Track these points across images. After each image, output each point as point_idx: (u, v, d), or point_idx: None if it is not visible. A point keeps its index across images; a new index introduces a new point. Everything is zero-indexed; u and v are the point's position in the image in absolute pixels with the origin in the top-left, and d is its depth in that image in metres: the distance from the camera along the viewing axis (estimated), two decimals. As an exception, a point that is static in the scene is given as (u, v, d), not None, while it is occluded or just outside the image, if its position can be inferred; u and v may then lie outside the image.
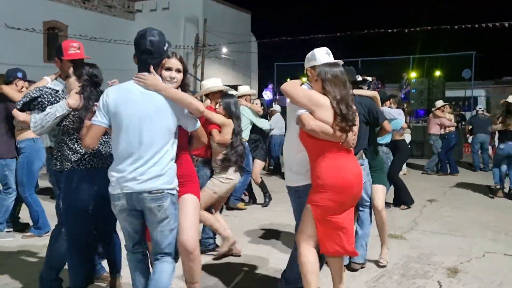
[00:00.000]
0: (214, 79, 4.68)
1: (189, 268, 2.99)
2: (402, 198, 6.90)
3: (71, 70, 3.21)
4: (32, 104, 3.16)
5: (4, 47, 17.97)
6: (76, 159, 3.08)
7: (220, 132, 4.26)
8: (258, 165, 6.99)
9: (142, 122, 2.61)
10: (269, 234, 5.30)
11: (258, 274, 4.02)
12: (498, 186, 7.90)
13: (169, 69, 2.82)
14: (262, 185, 7.04)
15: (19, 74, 5.09)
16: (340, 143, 2.94)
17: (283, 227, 5.55)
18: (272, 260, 4.38)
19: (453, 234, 5.38)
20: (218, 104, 4.38)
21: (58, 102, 3.11)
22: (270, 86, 20.99)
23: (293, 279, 3.28)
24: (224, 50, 24.13)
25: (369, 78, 5.15)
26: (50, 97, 3.17)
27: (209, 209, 4.30)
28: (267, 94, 20.46)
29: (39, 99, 3.15)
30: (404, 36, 16.53)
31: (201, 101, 4.29)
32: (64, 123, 3.09)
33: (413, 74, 18.62)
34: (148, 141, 2.61)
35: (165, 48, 2.77)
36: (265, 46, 22.15)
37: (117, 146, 2.65)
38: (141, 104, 2.63)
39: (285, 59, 23.40)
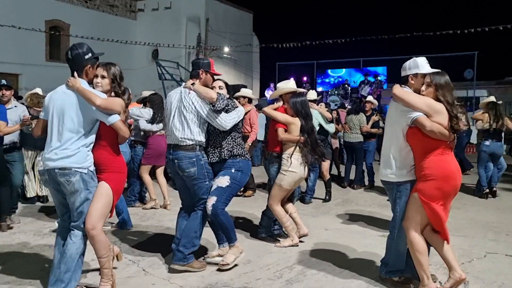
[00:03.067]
0: (288, 82, 5.00)
1: (92, 244, 3.36)
2: None
3: (222, 83, 4.22)
4: (223, 108, 3.94)
5: (7, 46, 18.00)
6: (246, 152, 4.12)
7: (286, 130, 4.71)
8: (326, 163, 7.41)
9: (59, 115, 3.29)
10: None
11: (259, 274, 4.03)
12: (486, 190, 7.81)
13: (95, 76, 3.42)
14: (329, 183, 7.49)
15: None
16: (448, 142, 3.38)
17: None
18: (272, 259, 4.40)
19: (454, 235, 5.35)
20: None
21: (233, 105, 4.02)
22: (272, 86, 20.99)
23: (391, 263, 3.71)
24: (226, 49, 24.12)
25: None
26: (229, 102, 4.01)
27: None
28: (269, 94, 20.47)
29: (226, 105, 3.95)
30: (405, 37, 16.49)
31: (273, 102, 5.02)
32: (239, 123, 4.08)
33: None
34: (61, 130, 3.27)
35: (87, 57, 3.39)
36: (267, 46, 22.08)
37: (47, 133, 3.36)
38: (60, 100, 3.31)
39: (287, 59, 23.41)
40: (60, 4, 20.94)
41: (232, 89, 5.89)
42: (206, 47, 23.18)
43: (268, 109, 4.92)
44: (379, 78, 19.32)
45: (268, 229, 5.07)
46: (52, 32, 20.43)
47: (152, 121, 6.44)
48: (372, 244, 4.92)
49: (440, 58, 19.86)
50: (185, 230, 4.02)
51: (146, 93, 6.95)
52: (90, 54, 3.41)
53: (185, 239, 3.96)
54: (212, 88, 4.10)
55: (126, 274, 3.91)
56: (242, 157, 4.01)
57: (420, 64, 3.54)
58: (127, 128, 3.45)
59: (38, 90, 6.79)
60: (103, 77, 3.41)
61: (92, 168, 3.31)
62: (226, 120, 3.91)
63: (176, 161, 3.99)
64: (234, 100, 4.21)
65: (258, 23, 27.67)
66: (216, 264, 4.06)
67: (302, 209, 6.53)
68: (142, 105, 6.73)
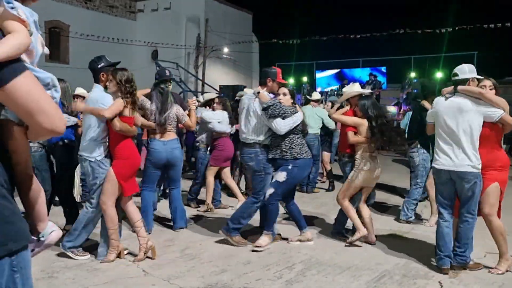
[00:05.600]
0: (353, 85, 5.29)
1: (104, 217, 4.26)
2: None
3: (286, 90, 4.75)
4: (277, 114, 4.54)
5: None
6: (305, 151, 4.66)
7: (356, 132, 4.88)
8: (326, 156, 8.44)
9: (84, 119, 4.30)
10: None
11: (258, 273, 4.03)
12: None
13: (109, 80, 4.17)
14: (330, 173, 8.44)
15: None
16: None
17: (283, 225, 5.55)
18: (272, 258, 4.40)
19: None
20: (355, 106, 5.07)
21: (292, 112, 4.58)
22: (271, 86, 20.95)
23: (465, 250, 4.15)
24: (226, 50, 24.11)
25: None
26: (286, 109, 4.58)
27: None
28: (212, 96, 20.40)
29: (281, 111, 4.54)
30: (405, 36, 16.49)
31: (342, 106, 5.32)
32: (298, 126, 4.61)
33: (413, 74, 18.61)
34: (83, 130, 4.27)
35: (100, 66, 4.21)
36: (266, 46, 22.11)
37: None
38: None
39: (286, 59, 23.41)
40: (60, 5, 20.96)
41: (232, 90, 5.96)
42: (205, 47, 23.17)
43: (337, 115, 5.12)
44: (377, 78, 19.32)
45: (339, 228, 5.21)
46: (51, 32, 20.43)
47: (230, 123, 6.55)
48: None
49: (440, 58, 19.87)
50: (237, 210, 4.89)
51: (209, 96, 7.08)
52: (103, 63, 4.18)
53: (234, 215, 4.82)
54: (277, 94, 4.73)
55: (126, 275, 3.90)
56: (300, 156, 4.58)
57: (474, 70, 4.17)
58: (122, 123, 4.06)
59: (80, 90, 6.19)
60: (110, 80, 4.12)
61: (100, 158, 4.12)
62: (281, 126, 4.52)
63: (242, 156, 4.96)
64: (296, 106, 4.74)
65: (258, 23, 27.70)
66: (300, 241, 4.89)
67: (302, 209, 6.52)
68: (207, 107, 6.81)
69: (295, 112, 4.63)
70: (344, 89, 5.46)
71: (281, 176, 4.60)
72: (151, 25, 24.03)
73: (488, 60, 22.81)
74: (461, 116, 3.94)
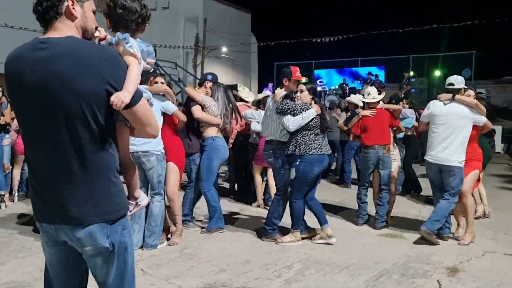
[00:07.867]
0: (355, 96, 6.43)
1: (171, 206, 4.87)
2: (412, 187, 7.79)
3: (303, 86, 4.90)
4: (286, 111, 4.72)
5: (6, 47, 17.95)
6: (315, 147, 4.70)
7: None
8: None
9: None
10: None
11: (255, 272, 4.03)
12: None
13: (156, 82, 4.71)
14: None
15: (209, 77, 5.48)
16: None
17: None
18: (271, 259, 4.40)
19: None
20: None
21: (302, 109, 4.70)
22: (270, 85, 20.94)
23: (441, 222, 4.91)
24: (224, 49, 24.08)
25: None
26: (296, 106, 4.74)
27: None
28: (267, 94, 20.44)
29: (291, 109, 4.71)
30: (404, 35, 16.49)
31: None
32: (310, 123, 4.71)
33: (410, 73, 18.64)
34: None
35: (151, 71, 4.71)
36: (265, 46, 22.07)
37: None
38: None
39: (285, 59, 23.42)
40: (58, 5, 20.91)
41: (231, 89, 5.99)
42: (204, 46, 23.15)
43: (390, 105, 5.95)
44: (379, 78, 19.35)
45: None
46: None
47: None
48: (370, 244, 4.93)
49: (438, 58, 19.89)
50: (268, 213, 5.04)
51: (260, 96, 7.14)
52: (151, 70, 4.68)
53: (267, 219, 5.00)
54: (296, 92, 4.89)
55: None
56: (308, 152, 4.67)
57: (464, 81, 5.14)
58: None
59: None
60: (162, 83, 4.70)
61: (163, 151, 4.58)
62: (290, 122, 4.70)
63: (263, 153, 5.15)
64: (310, 104, 4.80)
65: (256, 23, 27.67)
66: (325, 243, 4.85)
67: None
68: (256, 107, 6.84)
69: (307, 109, 4.73)
70: (355, 96, 6.28)
71: (292, 173, 4.75)
72: (149, 25, 23.88)
73: (487, 59, 22.87)
74: (457, 120, 4.81)
